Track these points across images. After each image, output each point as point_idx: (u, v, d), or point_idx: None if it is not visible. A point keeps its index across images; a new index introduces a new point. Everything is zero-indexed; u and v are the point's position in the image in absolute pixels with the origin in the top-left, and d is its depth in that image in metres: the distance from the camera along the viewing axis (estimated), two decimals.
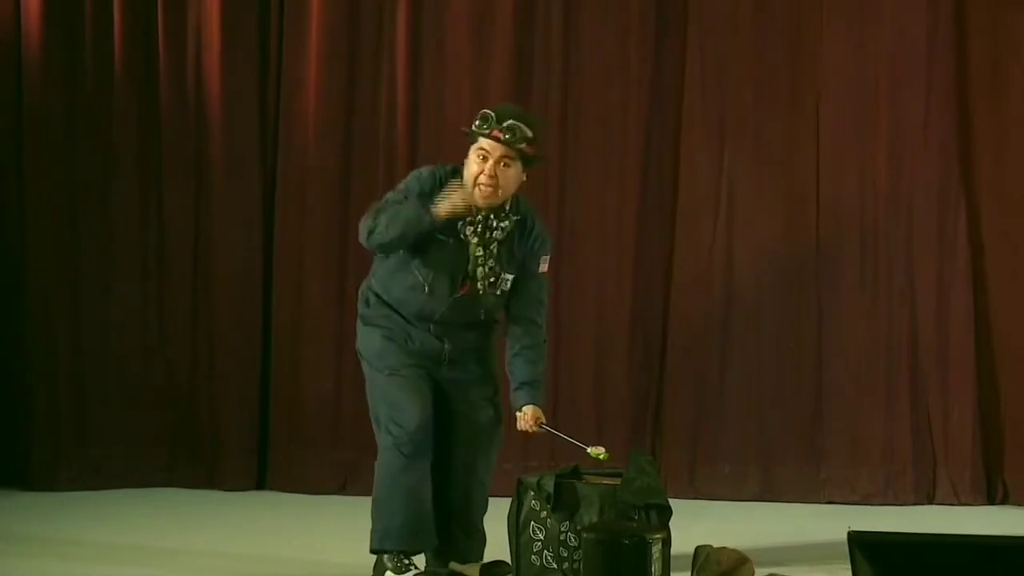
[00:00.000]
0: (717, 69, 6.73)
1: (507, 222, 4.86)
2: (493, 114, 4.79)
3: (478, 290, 4.85)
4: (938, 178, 6.58)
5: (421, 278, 4.83)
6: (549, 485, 4.93)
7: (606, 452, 4.93)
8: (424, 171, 4.93)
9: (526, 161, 4.82)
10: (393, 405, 4.84)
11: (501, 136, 4.75)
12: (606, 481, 4.95)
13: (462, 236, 4.82)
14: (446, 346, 4.90)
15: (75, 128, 6.87)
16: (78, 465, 6.81)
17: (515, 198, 4.90)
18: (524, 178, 4.87)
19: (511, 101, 6.45)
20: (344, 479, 6.79)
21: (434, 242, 4.81)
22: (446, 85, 6.83)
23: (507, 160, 4.77)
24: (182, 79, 6.91)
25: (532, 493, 4.96)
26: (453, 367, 4.95)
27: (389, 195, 4.92)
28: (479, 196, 4.78)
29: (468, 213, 4.79)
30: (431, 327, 4.89)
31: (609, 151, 6.80)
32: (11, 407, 6.84)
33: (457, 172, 4.85)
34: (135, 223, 6.92)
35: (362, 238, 4.83)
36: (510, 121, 4.77)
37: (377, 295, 4.95)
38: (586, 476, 5.02)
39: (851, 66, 6.66)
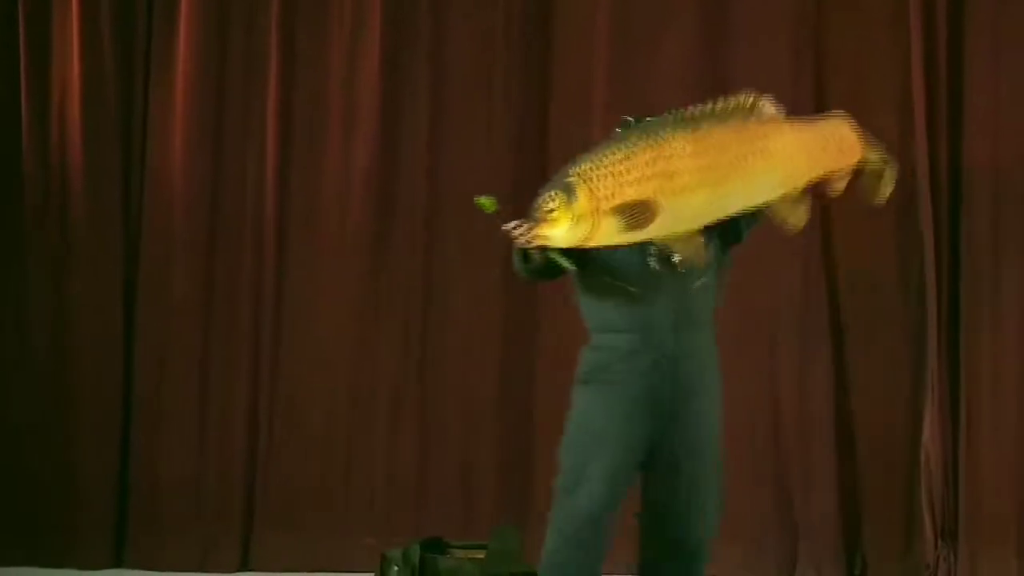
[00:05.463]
0: None
1: None
2: None
3: None
4: (801, 253, 6.55)
5: None
6: (415, 558, 4.91)
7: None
8: None
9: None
10: None
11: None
12: (471, 554, 4.96)
13: None
14: None
15: None
16: None
17: None
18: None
19: (377, 187, 6.69)
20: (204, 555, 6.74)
21: None
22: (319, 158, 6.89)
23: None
24: (45, 159, 6.90)
25: (396, 568, 4.94)
26: None
27: None
28: None
29: None
30: None
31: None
32: None
33: None
34: None
35: None
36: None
37: None
38: (451, 549, 5.01)
39: None
